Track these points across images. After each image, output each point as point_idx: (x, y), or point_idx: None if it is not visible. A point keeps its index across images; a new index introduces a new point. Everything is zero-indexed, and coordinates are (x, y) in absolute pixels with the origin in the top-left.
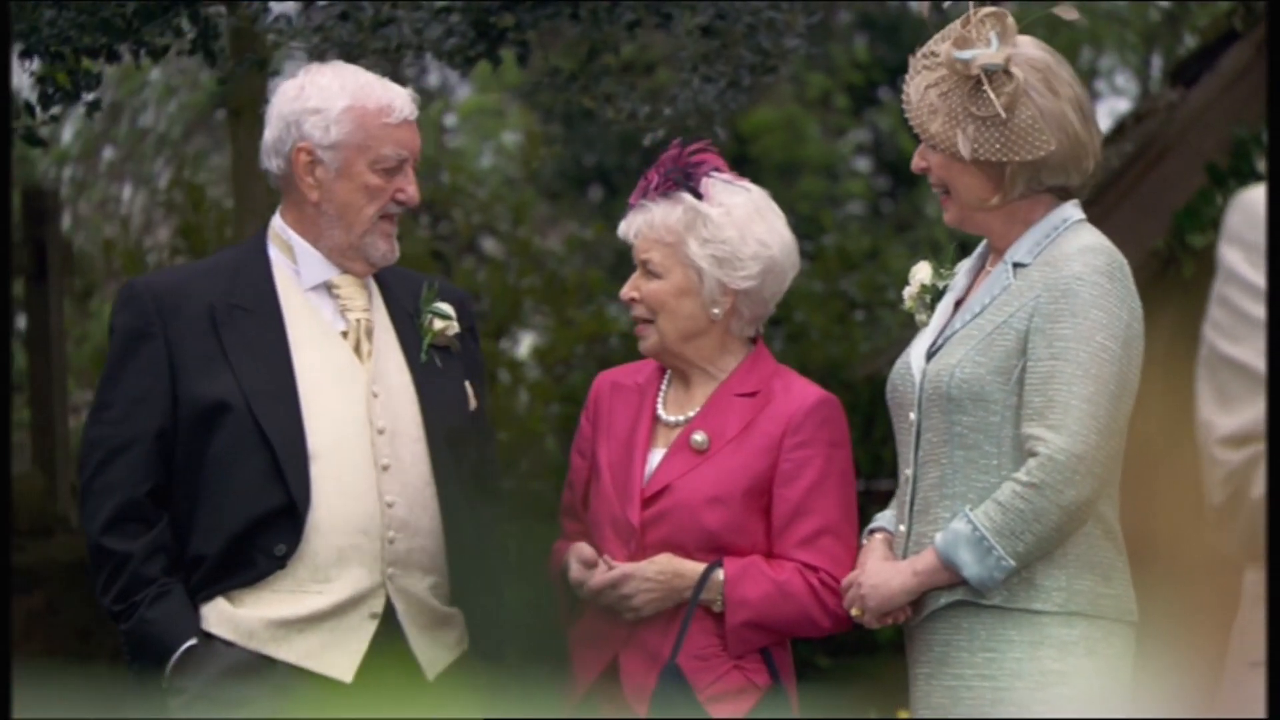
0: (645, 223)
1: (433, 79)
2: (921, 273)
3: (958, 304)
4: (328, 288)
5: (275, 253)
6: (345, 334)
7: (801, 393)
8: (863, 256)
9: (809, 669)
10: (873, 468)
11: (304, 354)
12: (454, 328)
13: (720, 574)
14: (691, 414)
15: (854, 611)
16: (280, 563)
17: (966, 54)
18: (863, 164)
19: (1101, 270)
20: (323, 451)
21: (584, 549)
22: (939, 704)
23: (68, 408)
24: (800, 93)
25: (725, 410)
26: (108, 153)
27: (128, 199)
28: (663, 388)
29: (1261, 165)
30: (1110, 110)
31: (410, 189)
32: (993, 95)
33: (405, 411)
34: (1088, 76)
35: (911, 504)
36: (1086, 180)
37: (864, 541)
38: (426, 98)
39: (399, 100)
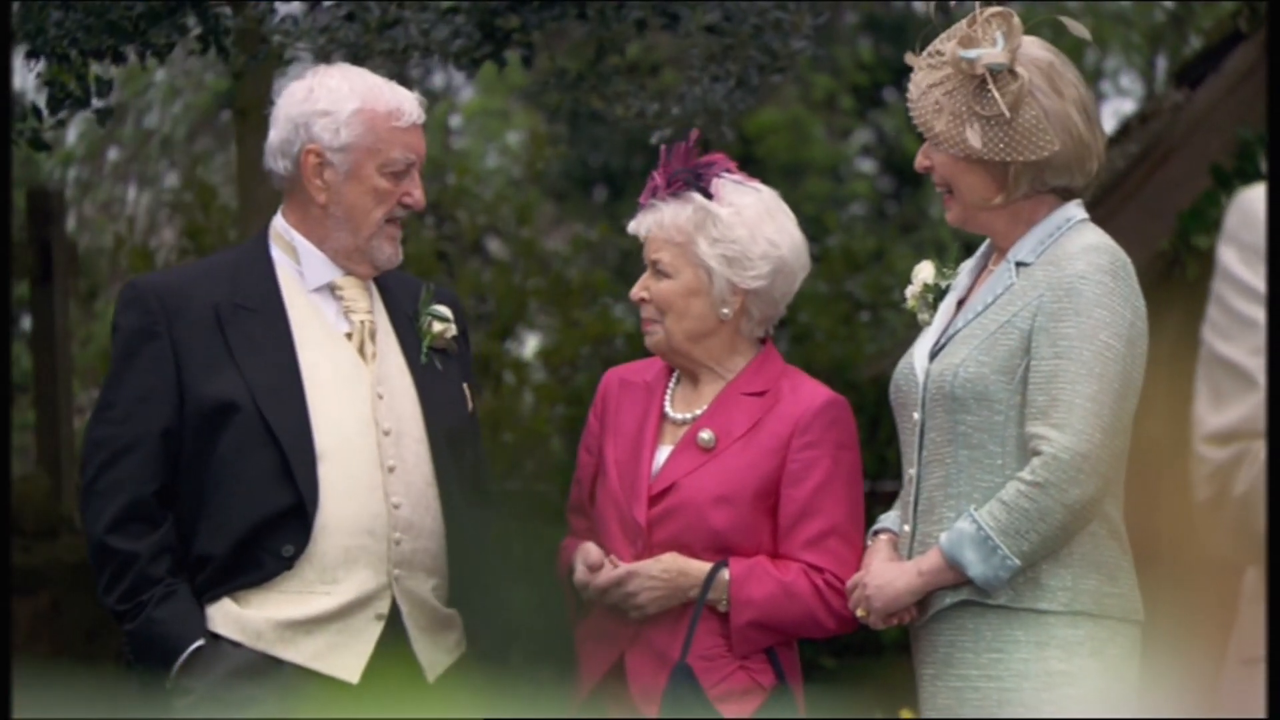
0: (655, 222)
1: (437, 80)
2: (924, 272)
3: (960, 303)
4: (331, 289)
5: (278, 253)
6: (349, 335)
7: (810, 393)
8: (868, 258)
9: (814, 670)
10: (878, 469)
11: (309, 355)
12: (452, 330)
13: (726, 574)
14: (699, 412)
15: (859, 612)
16: (288, 564)
17: (972, 53)
18: (867, 165)
19: (1105, 269)
20: (330, 452)
21: (590, 550)
22: (945, 705)
23: (73, 409)
24: (805, 94)
25: (733, 409)
26: (112, 154)
27: (132, 200)
28: (671, 386)
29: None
30: (1115, 111)
31: (416, 193)
32: (998, 95)
33: (408, 413)
34: (1093, 77)
35: (915, 504)
36: (1090, 181)
37: (868, 542)
38: (431, 99)
39: (408, 104)
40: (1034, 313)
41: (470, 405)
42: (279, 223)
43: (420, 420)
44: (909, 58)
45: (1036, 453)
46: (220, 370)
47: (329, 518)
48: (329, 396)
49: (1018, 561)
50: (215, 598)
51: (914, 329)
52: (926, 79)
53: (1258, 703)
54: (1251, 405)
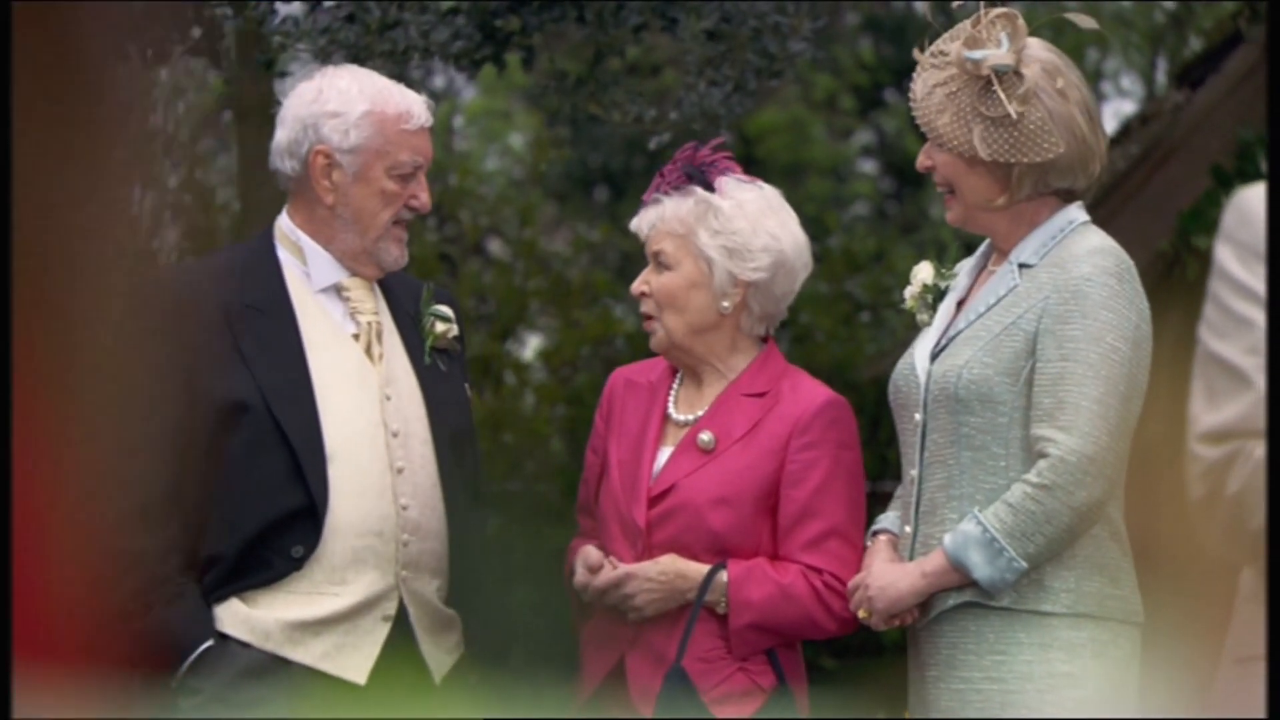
0: (657, 215)
1: (439, 81)
2: (923, 273)
3: (960, 304)
4: (337, 290)
5: (284, 254)
6: (356, 336)
7: (810, 394)
8: (868, 258)
9: (814, 670)
10: (879, 469)
11: (318, 356)
12: (454, 330)
13: (724, 576)
14: (700, 413)
15: (861, 613)
16: (297, 564)
17: (977, 54)
18: (868, 166)
19: (1111, 272)
20: (340, 453)
21: (590, 552)
22: (946, 707)
23: None
24: (806, 94)
25: (733, 410)
26: None
27: (136, 200)
28: (674, 386)
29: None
30: (1116, 112)
31: (423, 196)
32: (1004, 96)
33: (414, 414)
34: (1093, 79)
35: (917, 505)
36: (1092, 183)
37: (867, 543)
38: (433, 100)
39: (416, 106)
40: (1039, 315)
41: (470, 406)
42: (284, 223)
43: (425, 421)
44: (917, 55)
45: (1043, 455)
46: (230, 370)
47: (339, 519)
48: (338, 398)
49: (1024, 564)
50: (223, 597)
51: (914, 329)
52: (931, 79)
53: (1252, 702)
54: (1246, 404)
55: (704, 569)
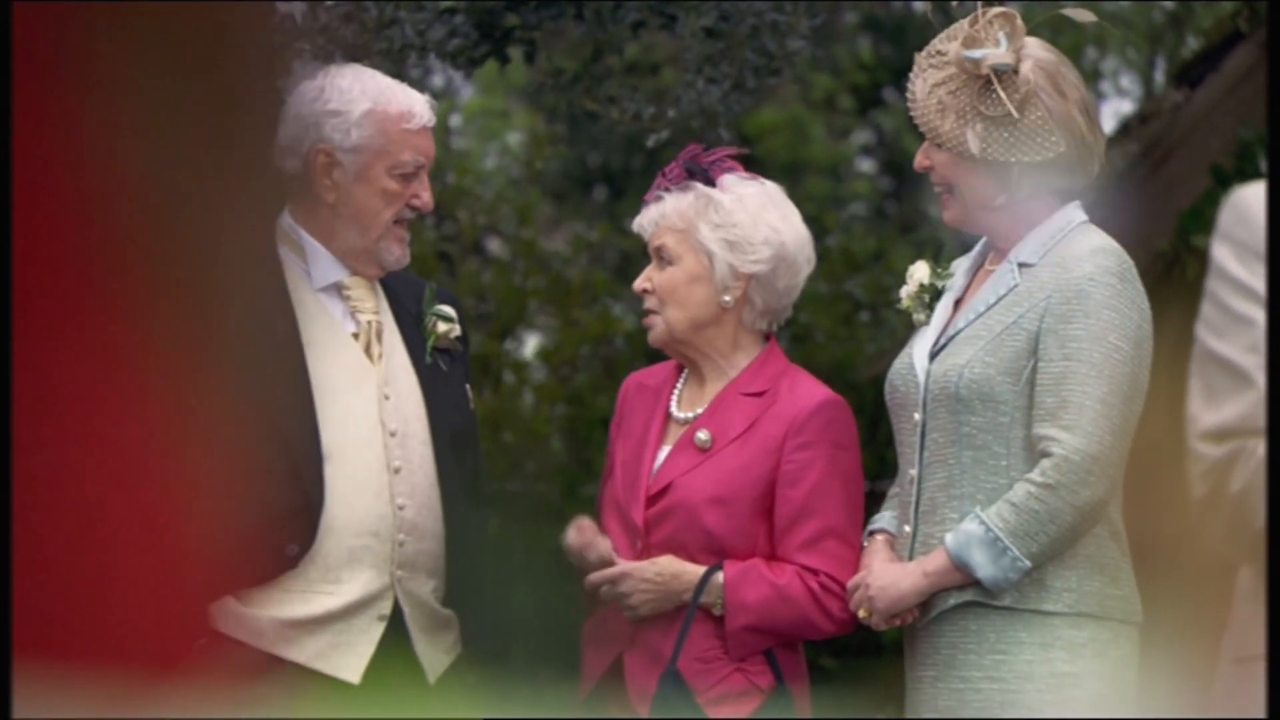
0: (659, 212)
1: (437, 80)
2: (919, 272)
3: (956, 303)
4: (338, 289)
5: (284, 252)
6: (356, 336)
7: (807, 394)
8: (868, 258)
9: (813, 670)
10: (878, 469)
11: (317, 354)
12: (456, 330)
13: (720, 577)
14: (700, 411)
15: (861, 613)
16: (292, 563)
17: (976, 53)
18: (867, 165)
19: (1113, 271)
20: (337, 452)
21: (600, 544)
22: (945, 707)
23: None
24: (805, 94)
25: (731, 409)
26: None
27: None
28: (678, 386)
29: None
30: (1115, 112)
31: (425, 195)
32: (1004, 95)
33: (414, 414)
34: (1092, 78)
35: (917, 505)
36: (1090, 182)
37: (864, 543)
38: (431, 99)
39: (419, 106)
40: (1041, 314)
41: (471, 406)
42: (285, 221)
43: (425, 421)
44: (918, 57)
45: (1046, 454)
46: None
47: (334, 518)
48: (336, 397)
49: (1028, 563)
50: None
51: (913, 329)
52: (930, 79)
53: (1249, 701)
54: (1246, 403)
55: (700, 571)
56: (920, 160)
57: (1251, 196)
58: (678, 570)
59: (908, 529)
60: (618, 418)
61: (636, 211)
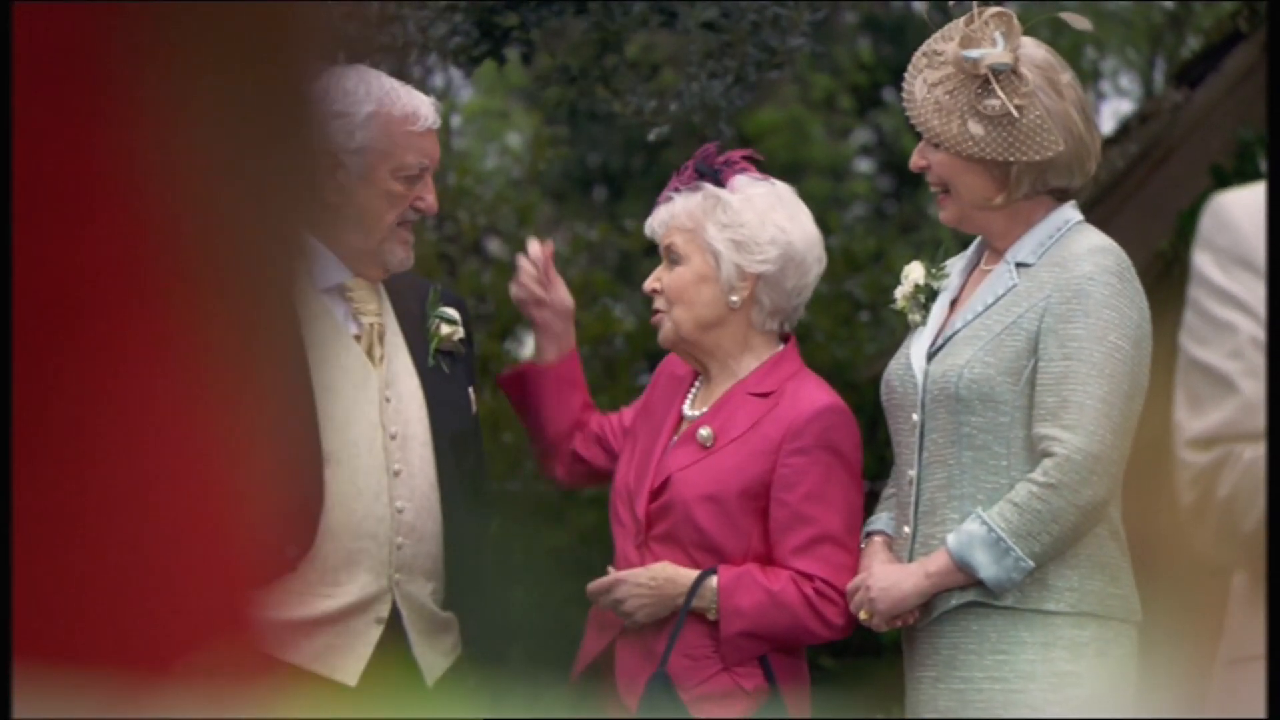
0: (668, 213)
1: (438, 80)
2: (915, 273)
3: (952, 304)
4: (340, 290)
5: None
6: (357, 338)
7: (809, 398)
8: (867, 258)
9: (813, 670)
10: (878, 469)
11: (318, 356)
12: (459, 333)
13: (714, 582)
14: (707, 409)
15: (862, 615)
16: (290, 564)
17: (975, 53)
18: (867, 165)
19: (1112, 270)
20: (337, 454)
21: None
22: (947, 708)
23: None
24: (805, 94)
25: (736, 408)
26: None
27: None
28: (696, 385)
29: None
30: (1114, 112)
31: (430, 198)
32: (1003, 95)
33: (414, 416)
34: (1092, 78)
35: (916, 505)
36: (1087, 182)
37: (861, 545)
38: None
39: (424, 108)
40: (1041, 314)
41: (474, 408)
42: None
43: (426, 424)
44: (914, 57)
45: (1048, 454)
46: None
47: (334, 521)
48: (337, 399)
49: (1031, 563)
50: None
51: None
52: (927, 79)
53: (1244, 703)
54: (1231, 409)
55: (695, 575)
56: (916, 160)
57: (1231, 203)
58: (671, 575)
59: (907, 530)
60: (648, 392)
61: (636, 211)
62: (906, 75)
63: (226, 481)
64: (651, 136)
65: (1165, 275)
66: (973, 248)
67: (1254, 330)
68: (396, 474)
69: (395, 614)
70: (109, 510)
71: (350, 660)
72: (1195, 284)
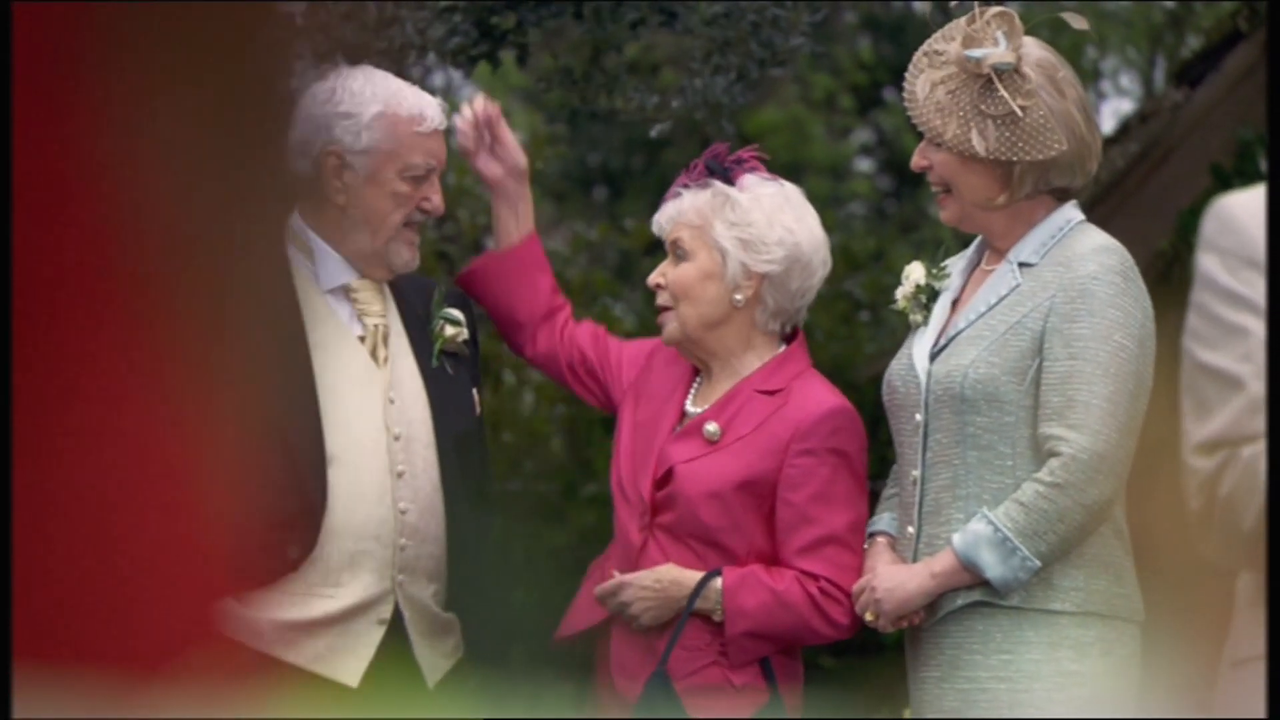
0: (676, 208)
1: (438, 80)
2: (915, 273)
3: (953, 304)
4: (345, 291)
5: (293, 253)
6: (362, 339)
7: (816, 399)
8: (868, 257)
9: (813, 670)
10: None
11: (323, 357)
12: (464, 334)
13: (719, 583)
14: (709, 406)
15: (868, 615)
16: (292, 565)
17: (977, 53)
18: (867, 165)
19: (1116, 270)
20: (340, 455)
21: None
22: (951, 708)
23: None
24: (805, 93)
25: (743, 405)
26: None
27: None
28: (696, 383)
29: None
30: (1115, 111)
31: (436, 198)
32: (1006, 94)
33: (419, 417)
34: (1091, 77)
35: (920, 506)
36: (1088, 182)
37: (864, 546)
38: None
39: (430, 109)
40: (1045, 314)
41: (478, 409)
42: (295, 222)
43: (430, 425)
44: (915, 57)
45: (1054, 454)
46: None
47: (336, 522)
48: (341, 400)
49: (1037, 563)
50: None
51: (911, 329)
52: (929, 78)
53: (1248, 703)
54: (1235, 409)
55: (699, 577)
56: (918, 160)
57: (1234, 205)
58: (676, 577)
59: (910, 530)
60: (643, 371)
61: (636, 211)
62: (908, 75)
63: (207, 485)
64: (653, 133)
65: (1166, 275)
66: (973, 247)
67: (1265, 332)
68: (400, 475)
69: (397, 615)
70: (84, 513)
71: (352, 661)
72: (1201, 287)
